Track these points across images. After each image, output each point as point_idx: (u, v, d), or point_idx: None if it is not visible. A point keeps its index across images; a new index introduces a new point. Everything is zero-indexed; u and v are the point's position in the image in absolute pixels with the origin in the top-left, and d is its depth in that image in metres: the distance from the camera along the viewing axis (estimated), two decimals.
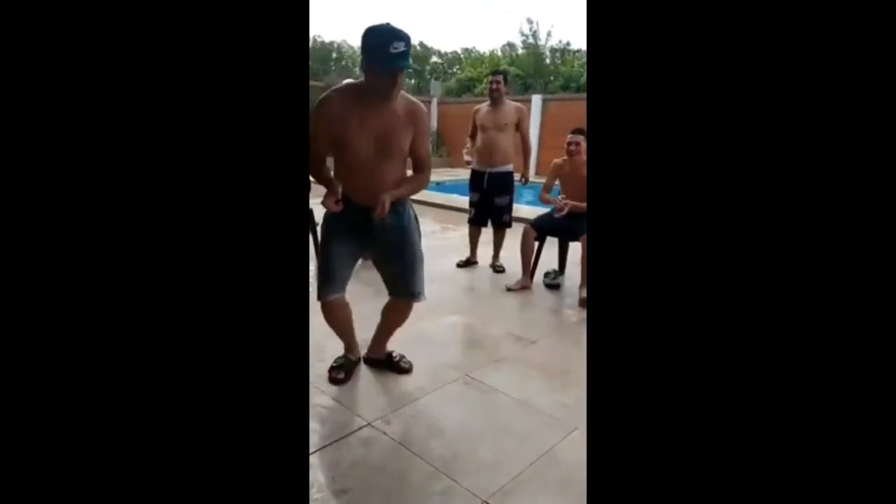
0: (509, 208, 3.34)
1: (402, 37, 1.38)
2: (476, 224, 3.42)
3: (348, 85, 1.55)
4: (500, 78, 3.25)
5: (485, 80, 18.04)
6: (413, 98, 1.62)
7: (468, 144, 3.47)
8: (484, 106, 3.32)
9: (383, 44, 1.36)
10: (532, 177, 4.27)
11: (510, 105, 3.26)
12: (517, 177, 3.43)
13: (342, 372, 1.84)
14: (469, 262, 3.49)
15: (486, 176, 3.28)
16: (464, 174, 3.83)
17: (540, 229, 3.03)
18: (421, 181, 1.68)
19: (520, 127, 3.28)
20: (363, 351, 2.00)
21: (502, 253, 3.46)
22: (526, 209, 5.12)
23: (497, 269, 3.43)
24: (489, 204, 3.29)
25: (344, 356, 1.92)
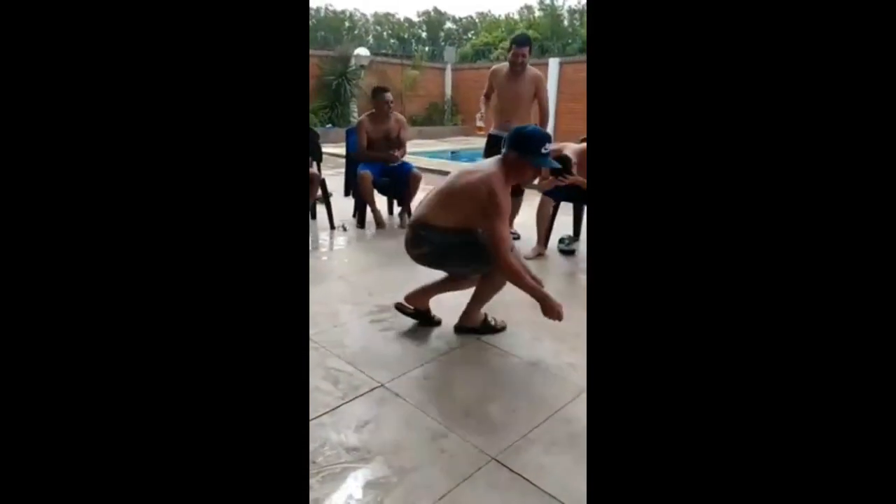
0: None
1: (550, 139, 1.83)
2: None
3: (499, 170, 1.79)
4: (526, 50, 3.05)
5: (500, 46, 17.64)
6: None
7: (482, 108, 3.33)
8: (503, 69, 3.16)
9: (539, 145, 1.78)
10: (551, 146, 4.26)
11: (530, 72, 3.11)
12: None
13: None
14: None
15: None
16: (478, 143, 3.76)
17: (556, 196, 2.98)
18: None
19: (538, 95, 3.15)
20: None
21: (515, 220, 3.43)
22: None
23: (513, 236, 3.40)
24: None
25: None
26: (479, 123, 3.40)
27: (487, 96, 3.28)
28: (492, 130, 3.28)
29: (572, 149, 2.87)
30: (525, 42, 3.15)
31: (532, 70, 3.17)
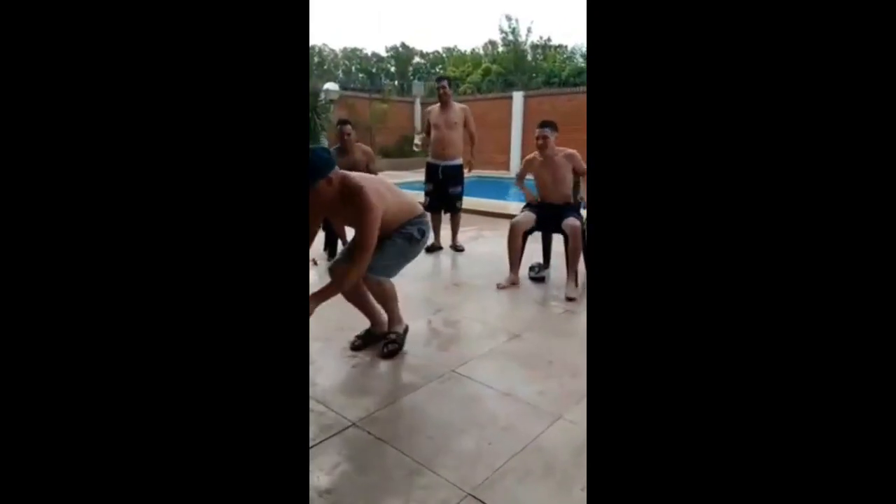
0: (461, 196, 3.84)
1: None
2: (434, 211, 3.82)
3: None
4: (445, 83, 3.79)
5: (467, 80, 18.25)
6: None
7: (422, 134, 4.05)
8: (435, 108, 3.82)
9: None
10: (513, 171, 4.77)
11: (457, 106, 3.78)
12: (465, 170, 3.91)
13: (360, 340, 2.15)
14: (434, 248, 3.84)
15: (441, 168, 3.74)
16: None
17: (533, 212, 3.05)
18: None
19: (467, 124, 3.79)
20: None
21: (459, 236, 3.95)
22: (514, 206, 5.16)
23: (458, 248, 3.85)
24: (444, 193, 3.77)
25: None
26: (417, 141, 4.07)
27: (427, 132, 3.88)
28: (429, 159, 3.85)
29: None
30: (443, 78, 3.92)
31: (459, 104, 3.82)
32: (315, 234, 2.05)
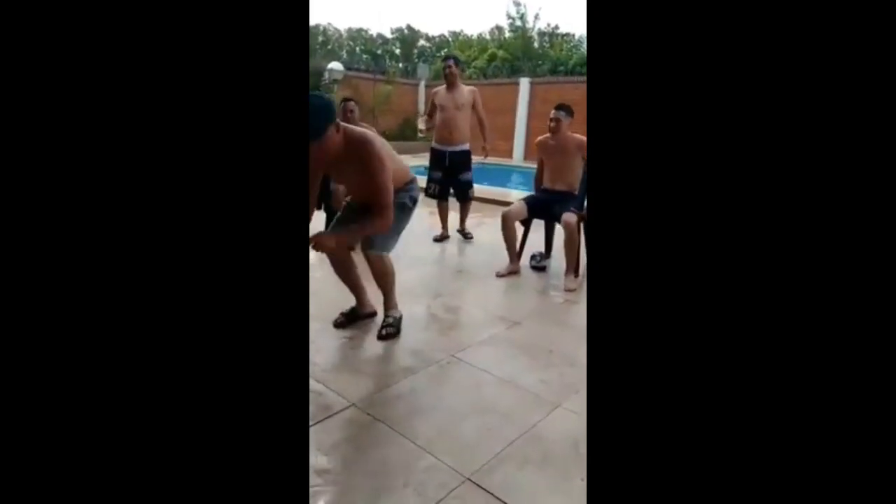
0: (472, 183, 3.72)
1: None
2: (443, 199, 3.71)
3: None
4: (452, 62, 3.62)
5: (472, 64, 18.02)
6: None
7: (424, 116, 3.88)
8: (441, 89, 3.64)
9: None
10: (521, 161, 4.68)
11: (465, 88, 3.60)
12: (480, 157, 3.80)
13: (343, 318, 2.16)
14: (443, 237, 3.73)
15: (448, 154, 3.60)
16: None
17: (530, 206, 3.01)
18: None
19: (475, 107, 3.61)
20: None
21: (466, 222, 3.86)
22: (516, 194, 5.13)
23: (467, 235, 3.77)
24: (454, 180, 3.65)
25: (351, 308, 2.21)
26: (421, 126, 3.86)
27: (430, 115, 3.72)
28: (434, 144, 3.70)
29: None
30: (450, 56, 3.82)
31: (467, 86, 3.64)
32: (315, 196, 1.99)
